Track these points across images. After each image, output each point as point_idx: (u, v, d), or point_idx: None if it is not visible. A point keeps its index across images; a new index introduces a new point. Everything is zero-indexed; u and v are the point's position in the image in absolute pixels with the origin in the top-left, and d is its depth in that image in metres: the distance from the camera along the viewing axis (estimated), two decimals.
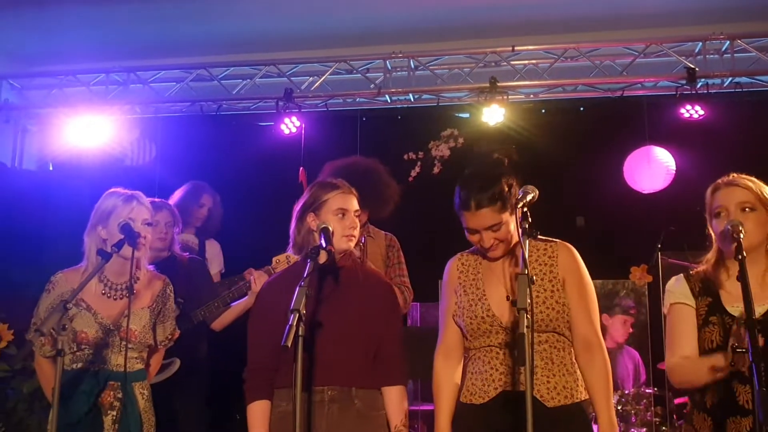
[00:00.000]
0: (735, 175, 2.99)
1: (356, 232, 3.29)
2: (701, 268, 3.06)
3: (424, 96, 7.02)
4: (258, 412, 3.15)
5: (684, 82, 6.36)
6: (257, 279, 4.65)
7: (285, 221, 3.43)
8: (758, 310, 2.71)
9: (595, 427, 3.04)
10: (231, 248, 6.06)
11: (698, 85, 6.38)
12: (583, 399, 3.01)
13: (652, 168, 6.36)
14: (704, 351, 2.91)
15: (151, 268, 3.86)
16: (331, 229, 3.15)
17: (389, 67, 6.88)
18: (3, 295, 5.54)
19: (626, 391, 6.02)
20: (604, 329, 6.48)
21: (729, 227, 2.80)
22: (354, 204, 3.30)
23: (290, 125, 6.83)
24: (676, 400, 5.87)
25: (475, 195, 3.00)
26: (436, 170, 7.16)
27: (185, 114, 7.38)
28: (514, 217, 3.05)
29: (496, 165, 3.14)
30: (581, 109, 6.98)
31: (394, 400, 3.18)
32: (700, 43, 6.49)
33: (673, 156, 6.37)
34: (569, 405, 2.97)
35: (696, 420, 2.93)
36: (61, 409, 3.18)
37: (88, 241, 3.65)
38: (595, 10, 6.53)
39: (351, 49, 7.03)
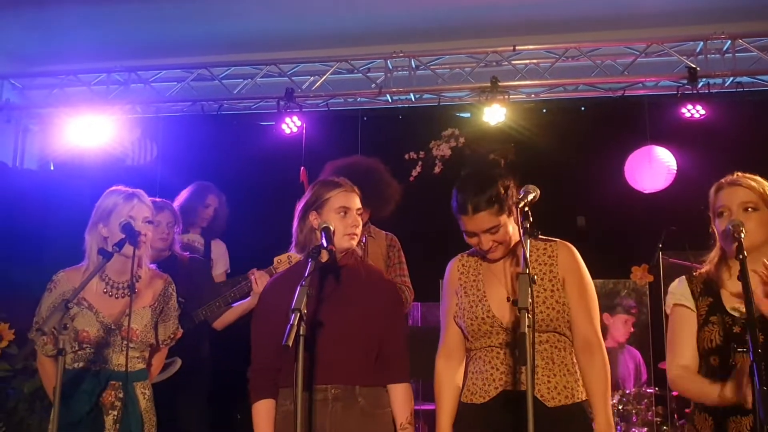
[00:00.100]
0: (739, 174, 2.98)
1: (358, 231, 3.28)
2: (704, 268, 3.05)
3: (425, 96, 7.02)
4: (262, 412, 3.15)
5: (685, 81, 6.36)
6: (258, 279, 4.65)
7: (286, 221, 3.43)
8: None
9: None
10: (232, 248, 6.06)
11: (699, 85, 6.38)
12: (583, 399, 3.01)
13: (653, 168, 6.36)
14: (704, 351, 2.91)
15: (153, 267, 3.86)
16: (332, 228, 3.14)
17: (390, 67, 6.88)
18: (4, 295, 5.54)
19: (627, 391, 6.02)
20: (606, 329, 6.48)
21: (730, 227, 2.80)
22: (356, 202, 3.30)
23: (291, 125, 6.83)
24: (675, 392, 5.86)
25: (472, 198, 3.00)
26: (437, 170, 7.16)
27: (186, 114, 7.38)
28: (512, 218, 3.06)
29: (493, 166, 3.14)
30: (582, 108, 6.98)
31: (400, 397, 3.17)
32: (702, 43, 6.49)
33: (674, 156, 6.37)
34: (570, 405, 2.97)
35: (697, 420, 2.94)
36: (62, 409, 3.18)
37: (89, 239, 3.65)
38: (596, 9, 6.54)
39: (352, 48, 7.03)
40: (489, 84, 6.54)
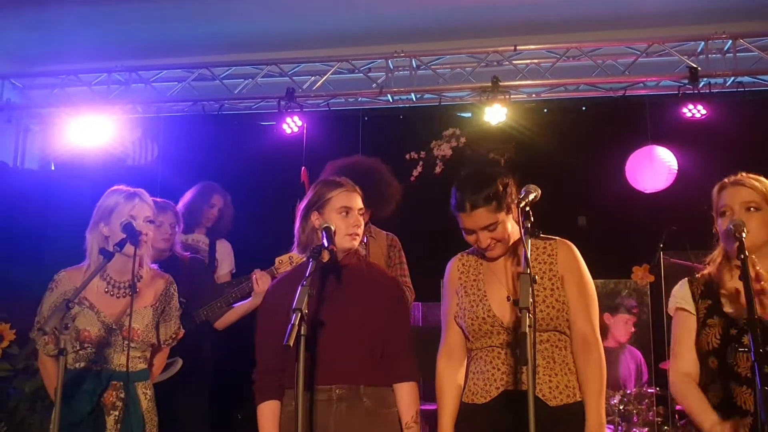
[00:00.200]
0: (743, 174, 2.98)
1: (360, 231, 3.27)
2: (706, 270, 3.05)
3: (426, 95, 7.02)
4: (267, 413, 3.15)
5: (686, 81, 6.36)
6: (260, 279, 4.66)
7: (287, 221, 3.43)
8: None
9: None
10: (233, 248, 6.05)
11: (700, 85, 6.38)
12: None
13: (654, 167, 6.36)
14: (702, 353, 2.92)
15: (154, 266, 3.86)
16: (333, 228, 3.13)
17: (391, 67, 6.88)
18: (5, 295, 5.54)
19: (628, 391, 6.01)
20: (607, 329, 6.47)
21: (731, 227, 2.80)
22: (358, 202, 3.29)
23: (292, 125, 6.83)
24: None
25: (470, 196, 3.01)
26: (438, 170, 7.15)
27: (187, 113, 7.38)
28: (510, 216, 3.06)
29: (492, 165, 3.14)
30: (583, 108, 6.98)
31: (405, 396, 3.16)
32: (703, 43, 6.49)
33: (675, 155, 6.36)
34: (571, 404, 2.97)
35: None
36: (64, 409, 3.18)
37: (90, 238, 3.65)
38: (597, 9, 6.54)
39: (353, 48, 7.03)
40: (490, 84, 6.54)
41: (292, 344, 2.59)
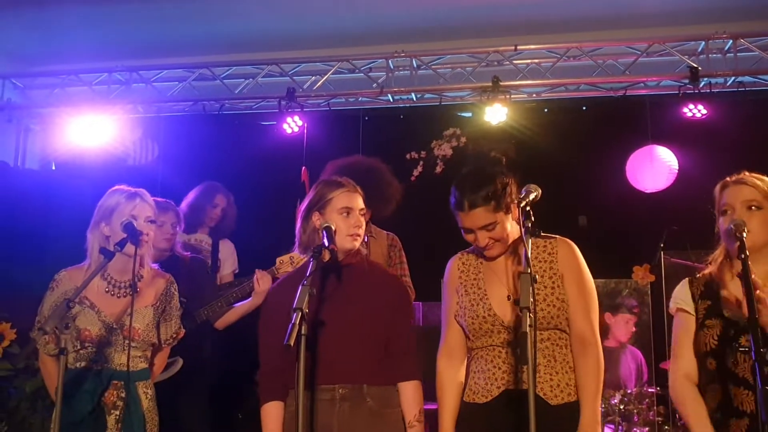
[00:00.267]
0: (746, 173, 2.97)
1: (361, 231, 3.26)
2: (707, 270, 3.04)
3: (427, 95, 7.02)
4: (271, 414, 3.15)
5: (687, 81, 6.35)
6: (261, 279, 4.66)
7: (287, 221, 3.43)
8: None
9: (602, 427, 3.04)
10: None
11: (701, 85, 6.38)
12: None
13: (655, 167, 6.36)
14: (701, 353, 2.91)
15: (155, 266, 3.86)
16: (333, 227, 3.13)
17: (392, 67, 6.88)
18: (6, 294, 5.54)
19: (629, 391, 6.01)
20: (608, 328, 6.47)
21: (731, 226, 2.79)
22: (359, 202, 3.28)
23: (293, 125, 6.83)
24: None
25: (468, 195, 3.01)
26: (438, 170, 7.15)
27: (188, 113, 7.38)
28: (509, 216, 3.06)
29: (493, 164, 3.14)
30: (584, 108, 6.98)
31: (408, 395, 3.15)
32: (703, 43, 6.49)
33: (675, 155, 6.36)
34: (572, 402, 2.97)
35: None
36: (64, 408, 3.18)
37: (91, 238, 3.65)
38: (598, 9, 6.53)
39: (353, 48, 7.03)
40: (490, 84, 6.54)
41: (292, 344, 2.60)
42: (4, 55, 7.49)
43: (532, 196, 2.93)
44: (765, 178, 2.96)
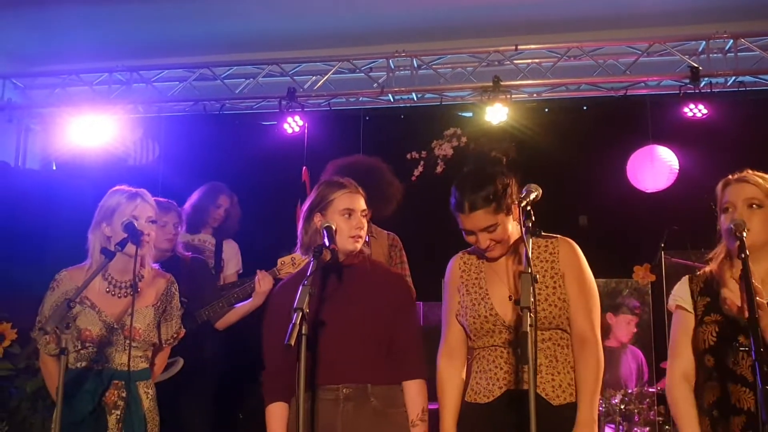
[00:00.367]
0: (749, 171, 2.97)
1: (363, 233, 3.25)
2: (708, 267, 3.04)
3: (427, 95, 7.01)
4: (275, 414, 3.16)
5: (687, 81, 6.35)
6: (262, 280, 4.66)
7: (288, 221, 3.44)
8: None
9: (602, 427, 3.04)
10: None
11: (701, 84, 6.38)
12: None
13: (656, 167, 6.35)
14: (699, 351, 2.91)
15: (155, 266, 3.86)
16: (334, 227, 3.13)
17: (392, 67, 6.88)
18: (6, 294, 5.54)
19: (629, 390, 6.01)
20: (609, 329, 6.47)
21: (732, 225, 2.79)
22: (361, 204, 3.27)
23: (293, 124, 6.83)
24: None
25: (469, 196, 3.00)
26: (439, 169, 7.15)
27: (188, 113, 7.38)
28: (510, 216, 3.05)
29: (493, 164, 3.13)
30: (584, 108, 6.98)
31: (411, 394, 3.15)
32: (704, 42, 6.48)
33: (676, 155, 6.36)
34: (575, 403, 2.97)
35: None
36: (65, 408, 3.18)
37: (92, 238, 3.65)
38: (598, 9, 6.53)
39: (354, 48, 7.03)
40: (491, 83, 6.53)
41: (293, 344, 2.60)
42: (4, 55, 7.50)
43: (532, 196, 2.93)
44: (767, 176, 2.96)
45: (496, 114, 6.50)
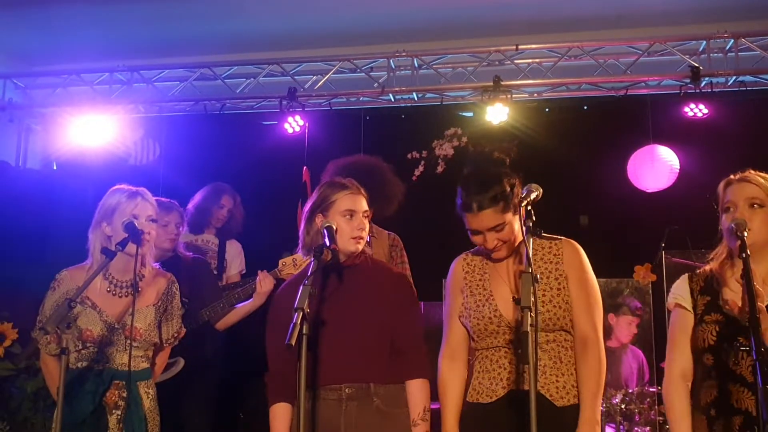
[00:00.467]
0: (751, 171, 2.96)
1: (364, 234, 3.25)
2: (708, 266, 3.04)
3: (428, 95, 7.01)
4: (278, 415, 3.17)
5: (688, 80, 6.34)
6: (263, 281, 4.65)
7: (288, 220, 3.44)
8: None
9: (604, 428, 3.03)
10: None
11: (702, 84, 6.37)
12: None
13: (656, 167, 6.35)
14: (698, 349, 2.91)
15: (156, 265, 3.86)
16: (335, 227, 3.13)
17: (393, 66, 6.87)
18: (7, 294, 5.55)
19: (630, 390, 6.01)
20: (610, 329, 6.46)
21: (733, 225, 2.79)
22: (362, 205, 3.27)
23: (294, 124, 6.82)
24: None
25: (477, 196, 2.99)
26: (439, 169, 7.15)
27: (189, 113, 7.38)
28: (517, 216, 3.04)
29: (497, 164, 3.13)
30: (585, 107, 6.98)
31: (413, 393, 3.15)
32: (704, 42, 6.48)
33: (677, 155, 6.36)
34: (578, 404, 2.97)
35: (694, 420, 2.93)
36: (66, 408, 3.18)
37: (93, 238, 3.65)
38: (599, 8, 6.54)
39: (354, 48, 7.03)
40: (491, 83, 6.52)
41: (294, 343, 2.60)
42: (5, 55, 7.50)
43: (533, 196, 2.93)
44: None
45: (497, 114, 6.50)
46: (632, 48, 6.64)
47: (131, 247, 3.48)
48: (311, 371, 2.98)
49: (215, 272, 5.64)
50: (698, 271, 3.06)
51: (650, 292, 6.79)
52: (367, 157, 4.98)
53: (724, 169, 3.09)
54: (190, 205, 5.76)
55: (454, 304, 3.23)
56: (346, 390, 3.08)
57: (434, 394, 3.21)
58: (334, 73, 6.98)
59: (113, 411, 3.49)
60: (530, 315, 2.51)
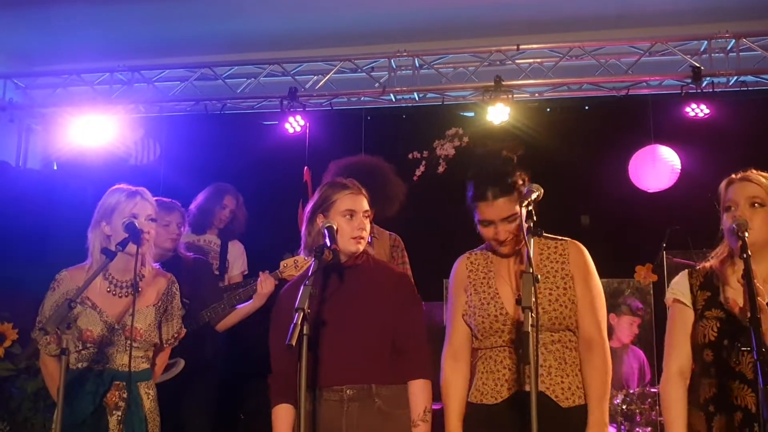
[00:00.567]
0: (753, 170, 2.97)
1: (365, 234, 3.25)
2: (708, 263, 3.04)
3: (429, 95, 7.01)
4: (280, 416, 3.18)
5: (689, 80, 6.34)
6: (264, 282, 4.65)
7: (289, 221, 3.44)
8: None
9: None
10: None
11: (703, 84, 6.36)
12: None
13: (657, 167, 6.35)
14: (698, 345, 2.91)
15: (156, 266, 3.85)
16: (335, 227, 3.12)
17: (394, 66, 6.87)
18: (7, 294, 5.54)
19: (631, 391, 6.00)
20: (611, 329, 6.45)
21: (734, 225, 2.79)
22: (363, 205, 3.27)
23: (294, 124, 6.82)
24: None
25: (492, 185, 3.00)
26: (440, 169, 7.14)
27: (189, 113, 7.38)
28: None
29: (505, 162, 3.13)
30: (586, 107, 6.97)
31: (414, 393, 3.14)
32: (706, 42, 6.47)
33: (678, 155, 6.35)
34: (584, 405, 2.97)
35: (692, 416, 2.93)
36: (66, 409, 3.18)
37: (92, 237, 3.65)
38: (600, 8, 6.53)
39: (355, 47, 7.02)
40: (493, 83, 6.52)
41: (294, 344, 2.60)
42: (5, 55, 7.50)
43: (534, 196, 2.92)
44: None
45: (498, 114, 6.49)
46: (633, 48, 6.64)
47: (131, 247, 3.48)
48: (312, 372, 2.98)
49: (217, 273, 5.64)
50: (698, 267, 3.07)
51: (651, 292, 6.79)
52: (368, 157, 4.97)
53: (725, 169, 3.09)
54: (193, 206, 5.76)
55: (458, 303, 3.22)
56: (348, 391, 3.07)
57: (437, 395, 3.20)
58: (335, 73, 6.97)
59: (113, 412, 3.49)
60: (531, 315, 2.50)
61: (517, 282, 3.06)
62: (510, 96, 6.56)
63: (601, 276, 3.16)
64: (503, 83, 6.51)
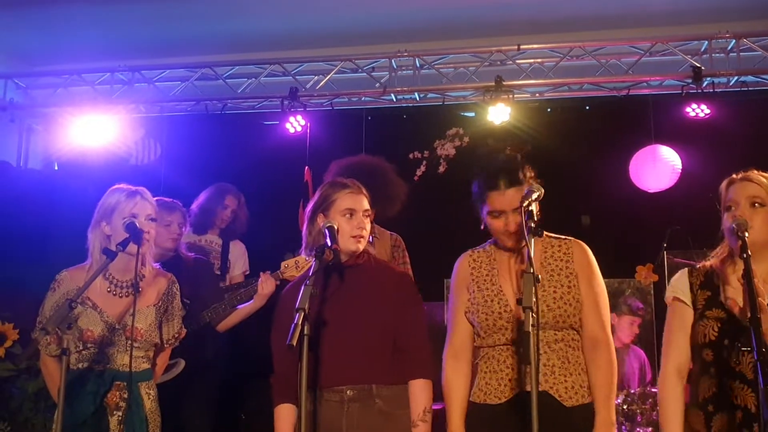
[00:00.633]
0: (754, 170, 2.97)
1: (365, 233, 3.25)
2: (709, 262, 3.04)
3: (430, 95, 7.01)
4: (282, 416, 3.19)
5: (690, 80, 6.34)
6: (264, 283, 4.64)
7: (290, 220, 3.44)
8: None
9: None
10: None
11: (704, 84, 6.36)
12: None
13: (658, 167, 6.35)
14: (698, 344, 2.91)
15: (156, 265, 3.85)
16: (335, 227, 3.13)
17: (394, 66, 6.87)
18: (8, 295, 5.54)
19: (632, 391, 6.00)
20: (612, 329, 6.44)
21: (734, 225, 2.80)
22: (363, 204, 3.27)
23: (295, 124, 6.82)
24: None
25: (504, 175, 3.02)
26: (441, 169, 7.14)
27: (190, 113, 7.38)
28: None
29: (514, 157, 3.14)
30: (587, 108, 6.97)
31: (414, 393, 3.13)
32: (706, 42, 6.47)
33: (678, 155, 6.35)
34: (587, 404, 2.98)
35: (691, 415, 2.93)
36: (67, 409, 3.17)
37: (92, 237, 3.64)
38: (601, 8, 6.54)
39: (356, 47, 7.02)
40: (493, 83, 6.52)
41: (295, 344, 2.60)
42: (6, 55, 7.50)
43: (534, 196, 2.92)
44: None
45: (499, 114, 6.49)
46: (634, 48, 6.64)
47: (132, 247, 3.47)
48: (313, 372, 2.98)
49: (218, 273, 5.65)
50: (698, 266, 3.07)
51: (652, 292, 6.79)
52: (370, 157, 4.97)
53: (725, 169, 3.09)
54: (194, 206, 5.76)
55: (459, 301, 3.21)
56: (348, 392, 3.08)
57: (438, 395, 3.20)
58: (335, 73, 6.97)
59: (114, 412, 3.48)
60: (531, 315, 2.50)
61: (518, 282, 3.06)
62: (510, 96, 6.56)
63: (602, 276, 3.17)
64: (504, 83, 6.51)
